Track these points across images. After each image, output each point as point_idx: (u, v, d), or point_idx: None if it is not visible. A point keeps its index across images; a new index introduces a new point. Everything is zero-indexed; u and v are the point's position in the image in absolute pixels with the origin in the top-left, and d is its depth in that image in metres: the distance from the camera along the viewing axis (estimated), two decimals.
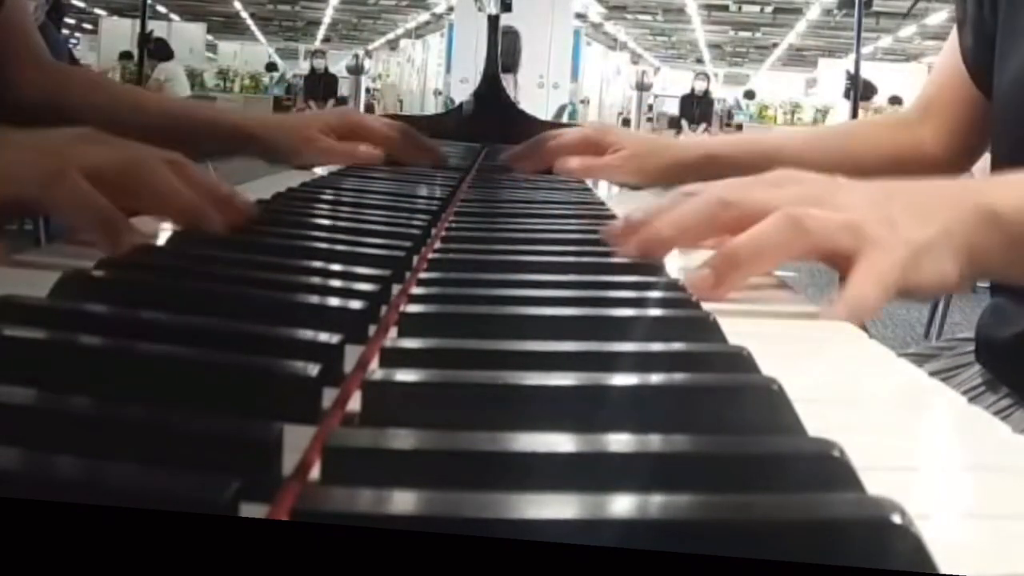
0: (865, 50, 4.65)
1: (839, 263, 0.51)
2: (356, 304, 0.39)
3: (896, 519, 0.21)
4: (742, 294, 0.51)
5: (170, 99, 1.33)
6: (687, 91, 11.13)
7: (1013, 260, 0.57)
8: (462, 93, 1.55)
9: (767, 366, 0.33)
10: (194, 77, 12.17)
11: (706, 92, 11.04)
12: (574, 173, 1.05)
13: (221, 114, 1.08)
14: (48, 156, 0.51)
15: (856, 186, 0.55)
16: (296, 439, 0.26)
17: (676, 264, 0.58)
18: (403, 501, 0.22)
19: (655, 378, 0.31)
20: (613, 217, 0.69)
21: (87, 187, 0.49)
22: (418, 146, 1.10)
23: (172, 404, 0.28)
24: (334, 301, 0.40)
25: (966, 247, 0.53)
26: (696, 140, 1.14)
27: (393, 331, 0.39)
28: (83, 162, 0.51)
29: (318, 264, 0.48)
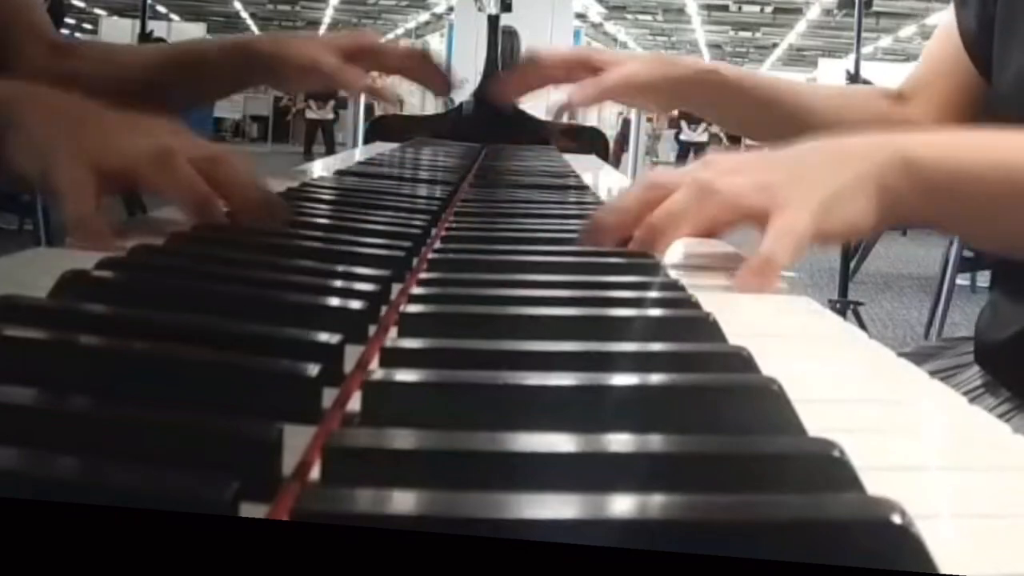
0: (865, 50, 4.65)
1: (757, 224, 0.55)
2: (356, 304, 0.39)
3: (896, 519, 0.21)
4: (742, 294, 0.51)
5: (174, 45, 1.32)
6: None
7: (930, 206, 0.60)
8: (462, 93, 1.54)
9: (766, 367, 0.33)
10: None
11: None
12: (585, 102, 1.00)
13: (227, 43, 1.05)
14: (158, 137, 0.58)
15: (776, 153, 0.60)
16: (296, 439, 0.26)
17: (675, 259, 0.58)
18: (403, 501, 0.22)
19: (655, 378, 0.31)
20: None
21: (190, 169, 0.56)
22: (430, 71, 1.05)
23: (172, 404, 0.28)
24: (334, 301, 0.40)
25: (879, 191, 0.57)
26: (702, 62, 1.11)
27: (393, 331, 0.39)
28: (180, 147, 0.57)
29: (318, 264, 0.48)
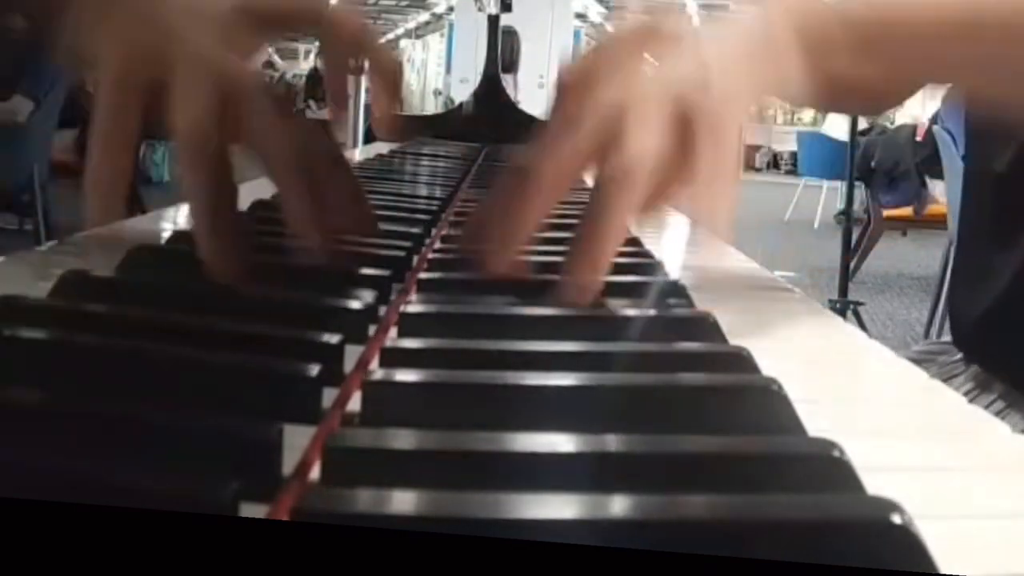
0: None
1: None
2: (356, 304, 0.39)
3: (896, 519, 0.21)
4: (741, 295, 0.51)
5: None
6: None
7: (866, 54, 0.49)
8: (462, 93, 1.55)
9: (766, 367, 0.33)
10: None
11: None
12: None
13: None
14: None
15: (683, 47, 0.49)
16: (296, 439, 0.26)
17: (675, 262, 0.58)
18: (403, 501, 0.22)
19: (655, 378, 0.31)
20: None
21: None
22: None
23: (172, 404, 0.28)
24: (334, 301, 0.40)
25: (802, 49, 0.47)
26: None
27: (393, 331, 0.39)
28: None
29: (318, 264, 0.48)
